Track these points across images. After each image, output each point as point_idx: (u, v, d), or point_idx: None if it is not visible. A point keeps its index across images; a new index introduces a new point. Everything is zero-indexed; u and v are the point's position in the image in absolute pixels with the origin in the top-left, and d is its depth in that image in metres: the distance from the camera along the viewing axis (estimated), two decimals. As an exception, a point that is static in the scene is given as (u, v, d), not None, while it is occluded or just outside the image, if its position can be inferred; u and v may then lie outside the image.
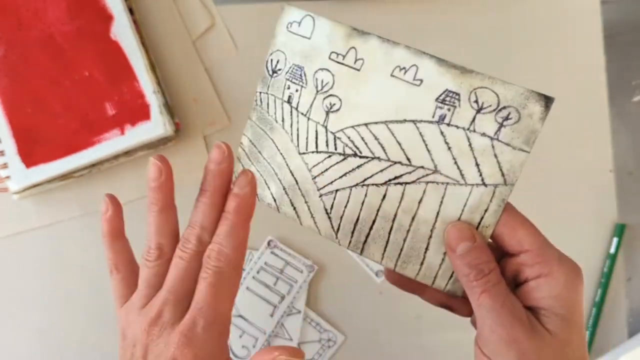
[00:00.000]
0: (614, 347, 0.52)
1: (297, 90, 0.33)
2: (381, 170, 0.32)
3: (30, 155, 0.48)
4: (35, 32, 0.48)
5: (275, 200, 0.35)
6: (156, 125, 0.48)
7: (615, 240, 0.52)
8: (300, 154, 0.34)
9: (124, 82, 0.48)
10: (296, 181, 0.34)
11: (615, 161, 0.53)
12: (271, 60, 0.35)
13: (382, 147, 0.32)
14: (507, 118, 0.30)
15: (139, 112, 0.48)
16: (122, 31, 0.48)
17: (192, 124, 0.51)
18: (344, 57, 0.32)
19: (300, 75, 0.33)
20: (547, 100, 0.30)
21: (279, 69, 0.34)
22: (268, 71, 0.35)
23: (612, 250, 0.52)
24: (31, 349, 0.51)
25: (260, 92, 0.35)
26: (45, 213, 0.51)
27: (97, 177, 0.51)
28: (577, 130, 0.53)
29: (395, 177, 0.32)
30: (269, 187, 0.35)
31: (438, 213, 0.31)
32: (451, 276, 0.32)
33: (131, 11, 0.49)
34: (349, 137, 0.33)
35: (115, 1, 0.48)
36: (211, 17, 0.52)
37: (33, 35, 0.48)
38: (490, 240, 0.31)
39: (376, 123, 0.32)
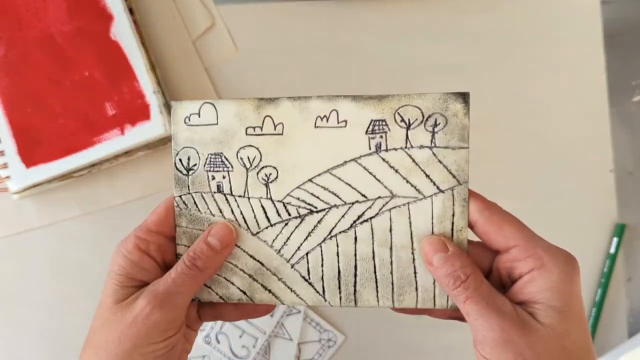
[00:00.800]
0: (614, 347, 0.52)
1: (224, 177, 0.33)
2: (343, 216, 0.33)
3: (30, 155, 0.48)
4: (35, 32, 0.48)
5: (245, 293, 0.34)
6: (156, 125, 0.48)
7: (615, 240, 0.52)
8: (254, 235, 0.33)
9: (124, 82, 0.48)
10: (261, 263, 0.34)
11: (615, 161, 0.53)
12: (179, 160, 0.34)
13: (335, 194, 0.33)
14: (436, 124, 0.32)
15: (139, 112, 0.48)
16: (122, 31, 0.48)
17: (192, 124, 0.51)
18: (261, 128, 0.33)
19: (222, 161, 0.33)
20: (464, 96, 0.32)
21: (194, 165, 0.34)
22: (181, 172, 0.34)
23: (612, 250, 0.52)
24: (31, 349, 0.51)
25: (181, 196, 0.34)
26: (45, 213, 0.51)
27: (97, 177, 0.51)
28: (577, 130, 0.53)
29: (359, 217, 0.33)
30: (232, 283, 0.34)
31: (411, 234, 0.32)
32: None
33: (131, 11, 0.49)
34: (298, 198, 0.33)
35: (115, 1, 0.48)
36: (211, 17, 0.52)
37: (33, 35, 0.48)
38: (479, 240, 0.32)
39: (319, 175, 0.33)
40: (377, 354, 0.52)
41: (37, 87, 0.48)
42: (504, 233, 0.30)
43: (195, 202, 0.34)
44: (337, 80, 0.52)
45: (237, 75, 0.52)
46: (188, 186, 0.34)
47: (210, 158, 0.33)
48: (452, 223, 0.32)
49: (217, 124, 0.33)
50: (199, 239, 0.33)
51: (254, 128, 0.33)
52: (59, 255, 0.51)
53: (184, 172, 0.34)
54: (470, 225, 0.32)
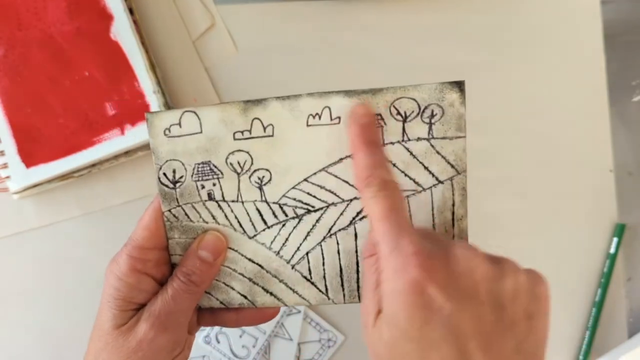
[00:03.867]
0: (614, 347, 0.52)
1: (214, 185, 0.32)
2: (341, 213, 0.32)
3: (30, 155, 0.48)
4: (35, 32, 0.48)
5: (246, 297, 0.33)
6: (156, 125, 0.48)
7: (615, 240, 0.52)
8: (251, 238, 0.33)
9: (124, 82, 0.48)
10: (260, 266, 0.33)
11: (615, 161, 0.53)
12: (164, 174, 0.32)
13: (332, 192, 0.32)
14: (432, 116, 0.31)
15: (139, 112, 0.48)
16: (122, 31, 0.48)
17: (192, 124, 0.51)
18: (250, 131, 0.32)
19: (210, 169, 0.32)
20: (460, 85, 0.31)
21: (181, 177, 0.32)
22: (167, 186, 0.32)
23: (612, 250, 0.52)
24: (31, 348, 0.51)
25: (170, 210, 0.33)
26: (45, 213, 0.51)
27: (97, 177, 0.51)
28: (577, 130, 0.53)
29: (357, 213, 0.32)
30: (232, 288, 0.34)
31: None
32: None
33: (131, 11, 0.49)
34: (294, 199, 0.32)
35: (115, 1, 0.48)
36: (211, 17, 0.52)
37: (33, 35, 0.48)
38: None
39: (315, 174, 0.32)
40: (377, 354, 0.52)
41: (37, 87, 0.48)
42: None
43: (186, 214, 0.33)
44: (337, 80, 0.52)
45: (237, 75, 0.52)
46: (177, 199, 0.33)
47: (198, 168, 0.32)
48: (453, 213, 0.32)
49: (201, 132, 0.32)
50: (189, 252, 0.32)
51: (242, 132, 0.32)
52: (59, 255, 0.51)
53: (170, 185, 0.32)
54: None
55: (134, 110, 0.48)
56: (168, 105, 0.49)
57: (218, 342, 0.51)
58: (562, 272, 0.52)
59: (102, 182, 0.51)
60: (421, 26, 0.52)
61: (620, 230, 0.52)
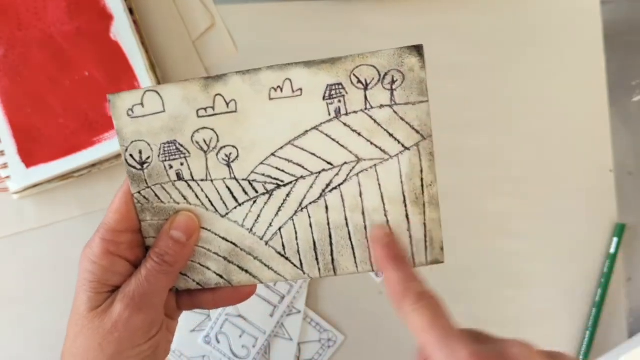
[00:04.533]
0: (614, 347, 0.52)
1: (182, 164, 0.32)
2: (311, 186, 0.32)
3: (30, 155, 0.48)
4: (35, 32, 0.48)
5: (222, 277, 0.33)
6: (156, 125, 0.48)
7: (615, 240, 0.52)
8: (223, 216, 0.33)
9: (124, 82, 0.48)
10: (234, 244, 0.33)
11: (615, 161, 0.53)
12: (130, 155, 0.32)
13: (300, 165, 0.32)
14: (393, 82, 0.31)
15: (139, 112, 0.48)
16: (122, 31, 0.48)
17: (192, 124, 0.51)
18: (213, 108, 0.32)
19: (176, 148, 0.32)
20: (418, 49, 0.31)
21: (147, 157, 0.32)
22: (134, 167, 0.33)
23: (612, 250, 0.52)
24: (31, 349, 0.51)
25: (139, 192, 0.33)
26: (45, 213, 0.51)
27: (97, 177, 0.51)
28: (577, 130, 0.53)
29: (327, 185, 0.32)
30: (208, 268, 0.33)
31: (382, 196, 0.32)
32: (426, 245, 0.32)
33: (131, 11, 0.49)
34: (263, 174, 0.32)
35: (115, 1, 0.48)
36: (211, 17, 0.52)
37: (33, 35, 0.48)
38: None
39: (281, 148, 0.32)
40: (377, 354, 0.52)
41: (37, 87, 0.48)
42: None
43: (156, 195, 0.33)
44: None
45: (237, 75, 0.52)
46: (145, 180, 0.33)
47: (164, 147, 0.32)
48: (422, 179, 0.32)
49: (164, 111, 0.32)
50: (162, 233, 0.32)
51: (205, 109, 0.32)
52: (59, 255, 0.51)
53: (138, 167, 0.32)
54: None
55: (134, 110, 0.48)
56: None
57: (218, 342, 0.51)
58: (562, 272, 0.52)
59: (102, 182, 0.51)
60: (421, 26, 0.52)
61: (620, 230, 0.52)
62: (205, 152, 0.32)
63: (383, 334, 0.52)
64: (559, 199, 0.52)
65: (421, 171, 0.31)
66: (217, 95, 0.32)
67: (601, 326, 0.52)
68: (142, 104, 0.32)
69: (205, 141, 0.32)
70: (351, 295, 0.52)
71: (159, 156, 0.32)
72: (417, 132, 0.31)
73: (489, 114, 0.52)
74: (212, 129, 0.32)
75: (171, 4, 0.52)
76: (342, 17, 0.52)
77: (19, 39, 0.48)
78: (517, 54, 0.53)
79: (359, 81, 0.31)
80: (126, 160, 0.32)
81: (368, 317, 0.52)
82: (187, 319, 0.51)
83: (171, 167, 0.32)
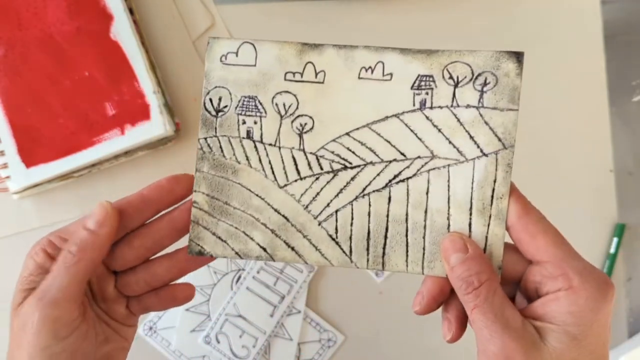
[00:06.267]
0: (614, 347, 0.52)
1: (255, 123, 0.31)
2: (378, 174, 0.31)
3: (30, 155, 0.48)
4: (35, 32, 0.48)
5: (265, 250, 0.32)
6: (156, 125, 0.48)
7: (615, 240, 0.52)
8: (281, 187, 0.31)
9: (124, 82, 0.48)
10: (286, 218, 0.32)
11: (615, 161, 0.53)
12: (210, 100, 0.32)
13: (372, 151, 0.31)
14: (485, 84, 0.31)
15: (138, 112, 0.48)
16: (122, 31, 0.48)
17: (192, 124, 0.51)
18: (301, 74, 0.31)
19: (255, 105, 0.31)
20: (518, 55, 0.31)
21: (225, 106, 0.32)
22: (210, 112, 0.32)
23: (612, 250, 0.52)
24: (31, 349, 0.51)
25: (206, 138, 0.32)
26: (45, 213, 0.51)
27: (97, 177, 0.50)
28: (577, 130, 0.53)
29: (395, 176, 0.31)
30: (252, 238, 0.32)
31: (449, 198, 0.30)
32: None
33: (131, 11, 0.49)
34: (332, 152, 0.31)
35: (115, 1, 0.48)
36: (211, 17, 0.52)
37: (33, 35, 0.48)
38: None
39: (358, 129, 0.31)
40: (377, 354, 0.52)
41: (37, 87, 0.48)
42: (537, 245, 0.29)
43: (221, 146, 0.32)
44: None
45: (237, 75, 0.52)
46: (215, 128, 0.32)
47: (244, 101, 0.32)
48: (493, 190, 0.30)
49: (255, 65, 0.31)
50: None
51: (293, 74, 0.31)
52: (59, 255, 0.51)
53: (213, 112, 0.32)
54: (507, 228, 0.30)
55: (134, 110, 0.48)
56: (168, 105, 0.49)
57: (218, 342, 0.51)
58: (562, 272, 0.52)
59: (102, 182, 0.51)
60: (421, 26, 0.52)
61: (620, 230, 0.52)
62: (281, 116, 0.31)
63: (383, 334, 0.52)
64: (559, 199, 0.52)
65: (494, 181, 0.30)
66: (308, 62, 0.31)
67: (601, 326, 0.52)
68: (236, 53, 0.31)
69: (284, 105, 0.31)
70: (351, 295, 0.52)
71: (236, 108, 0.32)
72: (499, 139, 0.30)
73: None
74: (295, 95, 0.31)
75: (171, 4, 0.52)
76: (342, 17, 0.52)
77: (19, 39, 0.48)
78: (517, 54, 0.53)
79: (451, 77, 0.31)
80: (204, 103, 0.32)
81: (368, 317, 0.52)
82: (187, 319, 0.51)
83: (244, 122, 0.32)
